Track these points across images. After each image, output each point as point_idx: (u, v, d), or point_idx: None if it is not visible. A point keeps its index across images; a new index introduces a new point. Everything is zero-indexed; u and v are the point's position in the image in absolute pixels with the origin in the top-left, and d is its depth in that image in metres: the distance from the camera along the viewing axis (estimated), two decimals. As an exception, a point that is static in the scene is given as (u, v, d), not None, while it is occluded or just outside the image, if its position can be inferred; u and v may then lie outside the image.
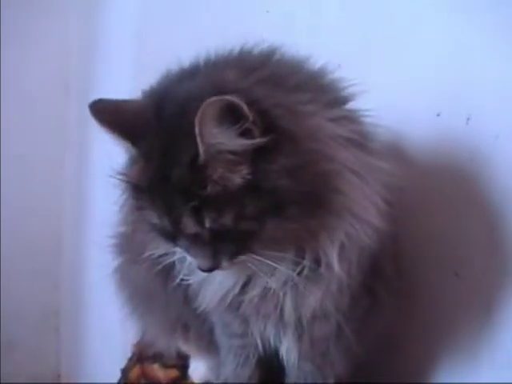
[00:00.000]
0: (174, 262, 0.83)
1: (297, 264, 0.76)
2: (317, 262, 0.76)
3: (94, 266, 1.77)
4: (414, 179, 0.97)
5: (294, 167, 0.69)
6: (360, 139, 0.76)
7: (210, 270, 0.73)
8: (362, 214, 0.74)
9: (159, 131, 0.71)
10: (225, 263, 0.73)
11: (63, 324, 2.15)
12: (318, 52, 0.80)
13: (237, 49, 0.79)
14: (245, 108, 0.65)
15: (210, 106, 0.65)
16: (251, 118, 0.66)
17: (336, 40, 0.88)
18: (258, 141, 0.68)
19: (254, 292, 0.79)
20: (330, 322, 0.86)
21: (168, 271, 0.86)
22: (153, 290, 0.93)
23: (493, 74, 0.92)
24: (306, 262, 0.75)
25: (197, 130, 0.66)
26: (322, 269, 0.76)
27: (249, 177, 0.68)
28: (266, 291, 0.79)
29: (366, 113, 0.79)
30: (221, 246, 0.72)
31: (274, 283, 0.77)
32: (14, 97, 1.99)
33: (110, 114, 0.73)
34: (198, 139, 0.66)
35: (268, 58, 0.78)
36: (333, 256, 0.75)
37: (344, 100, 0.79)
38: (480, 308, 0.95)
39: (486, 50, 0.93)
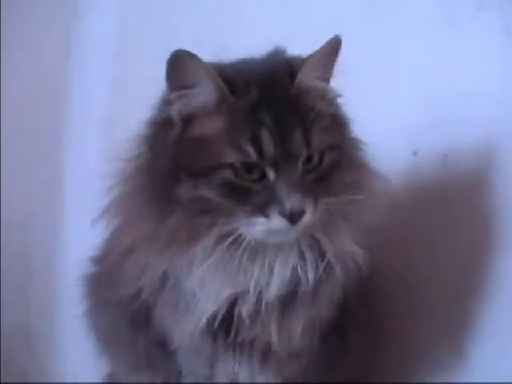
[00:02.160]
0: (143, 308, 0.83)
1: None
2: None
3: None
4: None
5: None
6: None
7: (298, 212, 0.71)
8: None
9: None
10: (309, 208, 0.71)
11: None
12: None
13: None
14: None
15: (335, 41, 0.74)
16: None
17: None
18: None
19: (245, 309, 0.78)
20: (302, 360, 0.86)
21: (137, 318, 0.85)
22: (120, 336, 0.92)
23: (469, 112, 0.94)
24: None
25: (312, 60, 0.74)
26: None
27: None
28: (256, 310, 0.78)
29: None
30: (309, 186, 0.72)
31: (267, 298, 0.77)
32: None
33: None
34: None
35: None
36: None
37: None
38: (452, 346, 0.96)
39: (463, 89, 0.94)
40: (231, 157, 0.71)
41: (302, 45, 0.75)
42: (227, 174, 0.71)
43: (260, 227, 0.71)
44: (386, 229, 0.83)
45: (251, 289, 0.76)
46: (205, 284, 0.77)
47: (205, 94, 0.73)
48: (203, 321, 0.79)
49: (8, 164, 1.93)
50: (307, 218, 0.71)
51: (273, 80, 0.75)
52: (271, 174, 0.71)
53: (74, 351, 1.53)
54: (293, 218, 0.70)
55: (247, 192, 0.72)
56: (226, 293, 0.77)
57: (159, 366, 0.91)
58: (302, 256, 0.77)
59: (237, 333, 0.81)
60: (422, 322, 0.99)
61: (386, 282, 0.99)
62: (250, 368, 0.85)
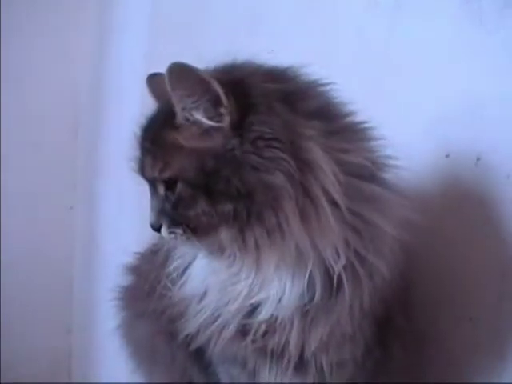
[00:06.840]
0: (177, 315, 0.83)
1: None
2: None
3: (105, 312, 1.77)
4: (424, 222, 0.95)
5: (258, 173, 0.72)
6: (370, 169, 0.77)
7: (152, 227, 0.78)
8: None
9: None
10: (164, 229, 0.77)
11: (75, 369, 2.13)
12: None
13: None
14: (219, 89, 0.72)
15: (172, 69, 0.72)
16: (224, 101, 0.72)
17: (346, 79, 0.85)
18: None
19: (261, 316, 0.78)
20: (346, 371, 0.85)
21: (172, 327, 0.86)
22: (156, 347, 0.93)
23: (503, 114, 0.91)
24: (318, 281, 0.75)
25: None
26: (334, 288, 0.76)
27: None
28: (273, 319, 0.78)
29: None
30: (166, 209, 0.76)
31: (282, 311, 0.77)
32: (20, 141, 1.97)
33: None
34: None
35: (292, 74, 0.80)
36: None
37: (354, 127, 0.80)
38: (494, 353, 0.93)
39: (495, 90, 0.92)
40: None
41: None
42: None
43: None
44: (418, 233, 0.82)
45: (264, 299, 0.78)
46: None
47: None
48: (230, 325, 0.80)
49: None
50: (163, 235, 0.78)
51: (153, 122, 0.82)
52: None
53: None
54: (152, 229, 0.79)
55: None
56: (237, 303, 0.79)
57: (197, 379, 0.91)
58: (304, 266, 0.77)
59: (263, 336, 0.80)
60: (465, 327, 0.96)
61: (425, 290, 0.97)
62: (291, 379, 0.84)
